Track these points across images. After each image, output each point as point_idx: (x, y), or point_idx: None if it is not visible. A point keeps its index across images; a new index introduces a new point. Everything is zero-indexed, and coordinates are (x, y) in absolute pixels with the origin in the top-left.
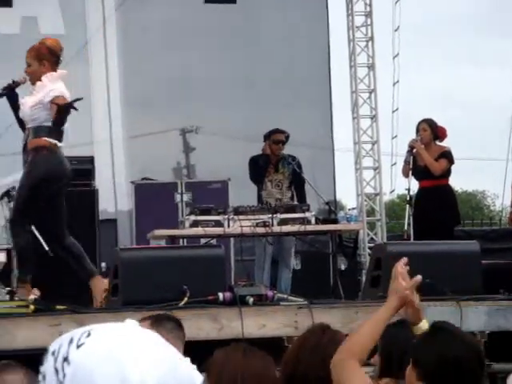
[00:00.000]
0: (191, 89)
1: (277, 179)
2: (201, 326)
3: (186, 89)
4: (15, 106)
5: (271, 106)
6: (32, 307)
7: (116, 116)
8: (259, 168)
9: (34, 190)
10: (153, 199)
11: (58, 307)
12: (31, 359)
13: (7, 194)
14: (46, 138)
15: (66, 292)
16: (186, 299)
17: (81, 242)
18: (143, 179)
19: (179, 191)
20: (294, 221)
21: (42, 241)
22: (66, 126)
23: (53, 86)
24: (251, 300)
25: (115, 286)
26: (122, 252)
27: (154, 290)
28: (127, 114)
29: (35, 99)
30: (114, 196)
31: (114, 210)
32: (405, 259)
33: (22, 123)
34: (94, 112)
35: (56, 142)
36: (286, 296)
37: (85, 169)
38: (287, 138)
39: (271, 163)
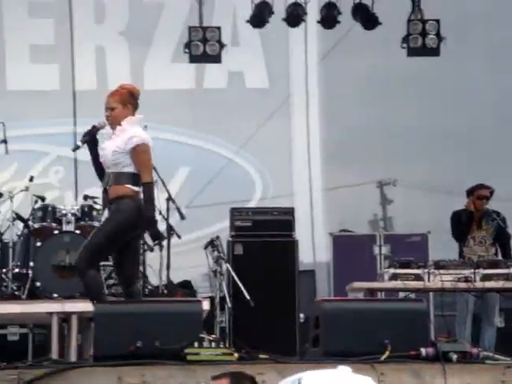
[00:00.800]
0: (389, 139)
1: (480, 236)
2: (403, 381)
3: (383, 139)
4: (95, 152)
5: (471, 158)
6: (236, 355)
7: (315, 167)
8: (462, 225)
9: (113, 236)
10: (351, 251)
11: (261, 356)
12: None
13: (211, 243)
14: (128, 185)
15: (268, 341)
16: (387, 353)
17: (280, 292)
18: (341, 231)
19: (378, 243)
20: (497, 276)
21: (244, 291)
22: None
23: (133, 131)
24: (455, 357)
25: (316, 337)
26: (324, 303)
27: (354, 342)
28: (326, 165)
29: (116, 144)
30: (312, 247)
31: (312, 260)
32: None
33: (99, 170)
34: (294, 163)
35: (137, 188)
36: (491, 354)
37: (285, 220)
38: (492, 193)
39: (474, 220)
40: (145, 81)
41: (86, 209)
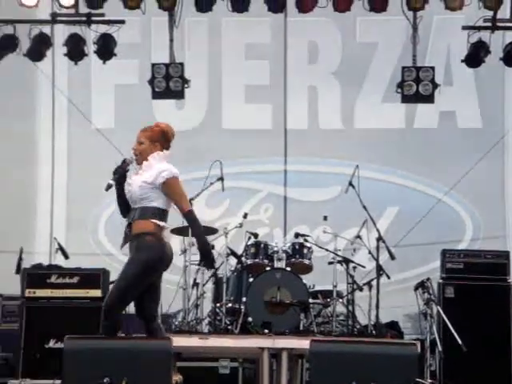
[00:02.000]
0: None
1: None
2: None
3: None
4: (122, 188)
5: None
6: None
7: None
8: None
9: (139, 278)
10: None
11: None
12: None
13: (422, 284)
14: (153, 220)
15: None
16: None
17: (493, 337)
18: None
19: None
20: None
21: (456, 335)
22: None
23: (161, 165)
24: None
25: None
26: None
27: None
28: None
29: (143, 178)
30: None
31: None
32: None
33: (123, 205)
34: (508, 204)
35: (162, 224)
36: None
37: (500, 263)
38: None
39: None
40: (355, 120)
41: (296, 246)
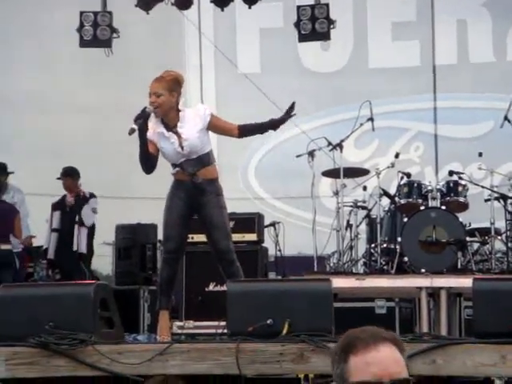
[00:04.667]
0: None
1: None
2: None
3: None
4: (144, 137)
5: None
6: None
7: None
8: None
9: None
10: None
11: None
12: None
13: None
14: (214, 164)
15: None
16: None
17: None
18: None
19: None
20: None
21: None
22: None
23: (194, 108)
24: None
25: None
26: None
27: None
28: None
29: (197, 129)
30: None
31: None
32: None
33: (146, 157)
34: None
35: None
36: None
37: None
38: None
39: None
40: (508, 52)
41: (451, 184)
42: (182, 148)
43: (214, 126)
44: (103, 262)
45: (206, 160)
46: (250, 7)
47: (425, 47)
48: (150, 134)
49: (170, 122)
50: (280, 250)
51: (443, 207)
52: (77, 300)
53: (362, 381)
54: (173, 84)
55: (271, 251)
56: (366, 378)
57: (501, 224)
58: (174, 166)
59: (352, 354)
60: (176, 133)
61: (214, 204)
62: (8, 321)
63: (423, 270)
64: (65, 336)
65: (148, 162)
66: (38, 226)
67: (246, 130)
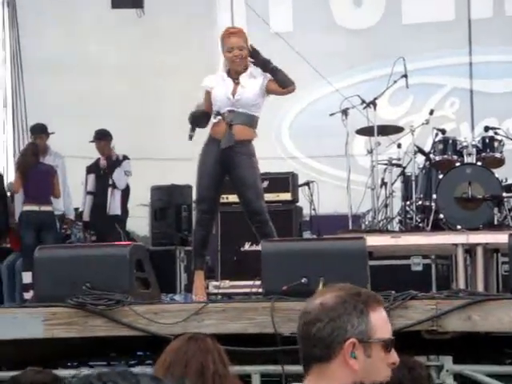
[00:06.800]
0: None
1: None
2: None
3: None
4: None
5: None
6: None
7: None
8: None
9: None
10: None
11: None
12: None
13: None
14: (255, 131)
15: None
16: None
17: None
18: None
19: None
20: None
21: None
22: None
23: (257, 69)
24: None
25: None
26: None
27: None
28: None
29: (258, 86)
30: None
31: None
32: None
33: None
34: None
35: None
36: None
37: None
38: None
39: None
40: None
41: (486, 140)
42: (234, 95)
43: (271, 89)
44: (140, 223)
45: (249, 120)
46: None
47: (459, 1)
48: (209, 81)
49: (236, 74)
50: (314, 209)
51: (479, 163)
52: (113, 261)
53: (386, 338)
54: (246, 38)
55: (306, 210)
56: (387, 335)
57: None
58: (217, 114)
59: (372, 311)
60: (235, 79)
61: (246, 165)
62: (46, 282)
63: (459, 227)
64: (101, 296)
65: (199, 116)
66: (74, 188)
67: (279, 81)
